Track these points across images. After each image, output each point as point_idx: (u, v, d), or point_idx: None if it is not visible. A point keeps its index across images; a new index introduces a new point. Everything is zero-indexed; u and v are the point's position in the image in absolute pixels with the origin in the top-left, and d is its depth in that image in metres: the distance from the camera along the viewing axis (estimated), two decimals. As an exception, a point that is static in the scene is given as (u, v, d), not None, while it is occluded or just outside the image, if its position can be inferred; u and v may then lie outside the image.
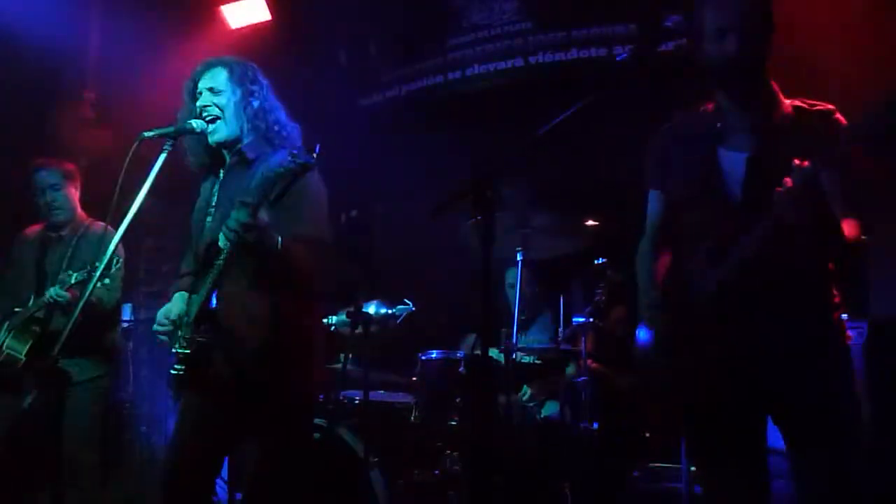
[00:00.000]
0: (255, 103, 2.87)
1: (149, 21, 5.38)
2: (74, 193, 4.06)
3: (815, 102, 2.39)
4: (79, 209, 4.10)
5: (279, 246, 2.62)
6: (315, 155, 2.43)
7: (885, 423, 3.16)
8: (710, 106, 2.45)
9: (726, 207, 2.30)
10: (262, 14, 5.39)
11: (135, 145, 2.71)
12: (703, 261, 2.30)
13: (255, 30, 5.49)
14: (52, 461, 3.82)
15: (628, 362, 3.91)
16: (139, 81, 5.30)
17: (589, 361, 3.89)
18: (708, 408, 2.29)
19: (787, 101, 2.39)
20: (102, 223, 4.01)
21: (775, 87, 2.38)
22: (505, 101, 4.89)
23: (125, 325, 5.18)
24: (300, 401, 2.88)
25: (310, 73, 5.39)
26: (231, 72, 2.89)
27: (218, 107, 2.84)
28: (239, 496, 3.83)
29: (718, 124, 2.38)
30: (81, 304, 2.71)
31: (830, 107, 2.37)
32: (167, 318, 2.82)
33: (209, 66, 2.92)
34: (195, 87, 2.91)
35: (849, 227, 2.24)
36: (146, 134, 2.76)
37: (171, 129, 2.82)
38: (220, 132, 2.84)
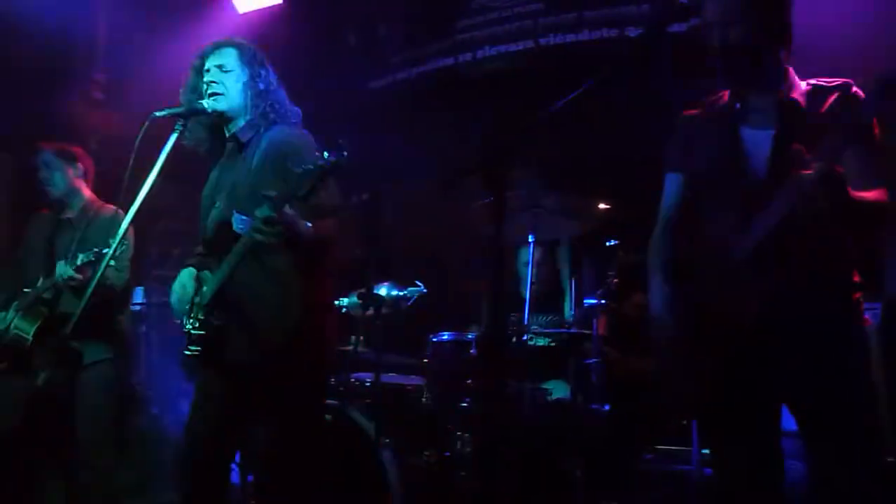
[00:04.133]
0: (261, 85, 2.92)
1: (158, 3, 5.38)
2: (73, 174, 4.06)
3: (831, 80, 2.38)
4: (84, 191, 4.11)
5: (309, 232, 2.64)
6: (345, 153, 2.41)
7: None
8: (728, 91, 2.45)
9: (751, 185, 2.29)
10: (272, -1, 5.37)
11: (145, 125, 2.72)
12: (731, 230, 2.28)
13: (264, 13, 5.46)
14: (65, 441, 3.85)
15: (642, 347, 3.92)
16: (148, 63, 5.28)
17: (601, 343, 3.87)
18: (725, 389, 2.27)
19: (804, 82, 2.38)
20: (112, 206, 4.02)
21: (791, 71, 2.37)
22: (516, 83, 4.85)
23: (136, 307, 5.21)
24: (313, 383, 2.91)
25: (319, 57, 5.37)
26: (241, 52, 2.93)
27: (225, 84, 2.88)
28: (251, 478, 3.85)
29: (738, 105, 2.38)
30: (92, 285, 2.73)
31: (848, 81, 2.35)
32: (184, 295, 2.84)
33: (219, 46, 2.96)
34: (203, 64, 2.93)
35: (878, 195, 2.24)
36: (157, 114, 2.78)
37: (181, 108, 2.84)
38: (220, 104, 2.88)
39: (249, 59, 2.93)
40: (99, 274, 2.78)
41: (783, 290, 2.20)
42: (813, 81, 2.39)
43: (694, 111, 2.53)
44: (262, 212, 2.51)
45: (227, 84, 2.89)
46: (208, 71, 2.90)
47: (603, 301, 3.74)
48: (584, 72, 4.61)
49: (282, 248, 2.66)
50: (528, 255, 3.83)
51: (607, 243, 3.81)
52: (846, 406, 2.19)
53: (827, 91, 2.34)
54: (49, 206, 4.12)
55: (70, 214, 4.05)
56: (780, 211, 2.17)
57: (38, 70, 4.99)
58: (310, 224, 2.66)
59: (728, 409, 2.30)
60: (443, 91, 5.12)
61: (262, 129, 2.90)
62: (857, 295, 2.30)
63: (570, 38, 4.66)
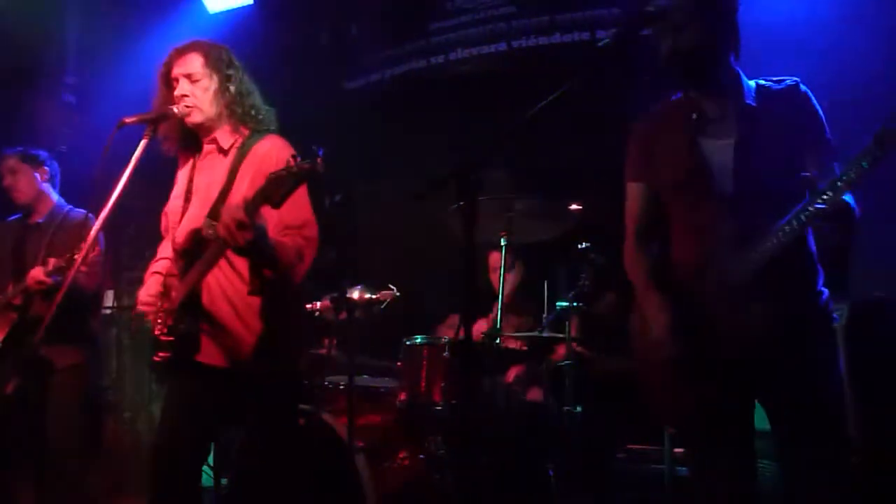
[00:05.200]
0: (232, 88, 2.86)
1: (127, 4, 5.33)
2: (36, 178, 4.01)
3: (780, 78, 2.40)
4: (52, 196, 4.06)
5: (272, 244, 2.60)
6: (319, 159, 2.36)
7: (864, 405, 3.20)
8: (681, 94, 2.45)
9: (718, 196, 2.30)
10: (243, -2, 5.34)
11: (115, 131, 2.70)
12: (723, 251, 2.28)
13: (235, 13, 5.43)
14: (35, 446, 3.82)
15: (615, 347, 3.95)
16: (118, 65, 5.24)
17: (574, 345, 3.90)
18: (706, 393, 2.30)
19: (752, 83, 2.39)
20: (82, 210, 3.99)
21: (741, 73, 2.38)
22: (488, 85, 4.86)
23: (107, 311, 5.16)
24: (286, 388, 2.89)
25: (291, 56, 5.35)
26: (207, 57, 2.86)
27: (195, 95, 2.82)
28: (224, 481, 3.83)
29: (694, 115, 2.37)
30: (63, 290, 2.71)
31: (796, 80, 2.38)
32: (150, 305, 2.81)
33: (183, 52, 2.88)
34: (169, 73, 2.88)
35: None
36: (126, 120, 2.75)
37: (151, 114, 2.81)
38: (196, 117, 2.83)
39: (216, 64, 2.86)
40: (69, 279, 2.75)
41: (780, 306, 2.23)
42: (761, 81, 2.40)
43: (649, 120, 2.52)
44: (234, 213, 2.46)
45: (198, 95, 2.82)
46: (176, 80, 2.84)
47: (575, 304, 3.76)
48: (557, 74, 4.65)
49: (251, 253, 2.64)
50: (500, 257, 3.85)
51: (579, 246, 3.82)
52: (825, 403, 2.24)
53: (776, 93, 2.36)
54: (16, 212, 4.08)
55: (38, 219, 4.01)
56: (787, 237, 2.18)
57: (6, 74, 4.92)
58: (275, 240, 2.62)
59: (709, 412, 2.32)
60: (416, 92, 5.13)
61: (245, 137, 2.85)
62: (824, 295, 2.34)
63: (543, 40, 4.69)
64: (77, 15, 5.40)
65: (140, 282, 2.97)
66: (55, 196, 4.09)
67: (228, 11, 5.40)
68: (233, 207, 2.48)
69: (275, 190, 2.39)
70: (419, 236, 4.66)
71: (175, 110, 2.82)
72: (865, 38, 3.78)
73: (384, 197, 4.75)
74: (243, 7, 5.38)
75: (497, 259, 4.03)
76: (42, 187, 4.03)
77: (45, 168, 4.06)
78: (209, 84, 2.84)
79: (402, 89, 5.16)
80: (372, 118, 5.16)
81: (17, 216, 4.10)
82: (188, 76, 2.83)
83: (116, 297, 5.30)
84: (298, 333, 2.99)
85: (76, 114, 5.30)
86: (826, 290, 2.34)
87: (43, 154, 4.10)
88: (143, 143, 2.77)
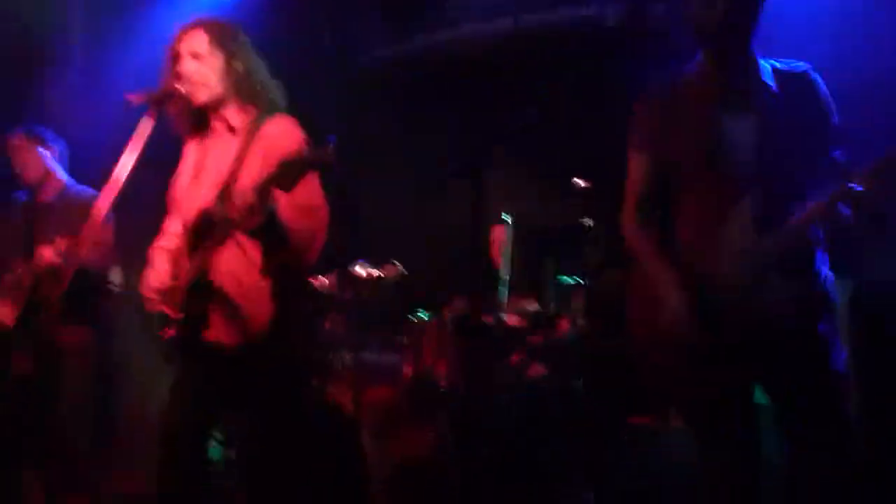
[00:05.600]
0: (239, 65, 2.84)
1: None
2: (43, 156, 4.01)
3: (790, 63, 2.38)
4: (59, 174, 4.07)
5: (283, 227, 2.61)
6: (330, 147, 2.36)
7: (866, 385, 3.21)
8: (698, 68, 2.39)
9: (740, 176, 2.26)
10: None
11: (123, 110, 2.71)
12: (743, 234, 2.26)
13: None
14: (44, 427, 3.86)
15: (619, 325, 3.96)
16: (124, 46, 5.23)
17: (577, 319, 3.90)
18: (712, 375, 2.31)
19: (767, 64, 2.36)
20: (91, 189, 4.00)
21: (754, 50, 2.35)
22: (493, 66, 4.84)
23: (115, 289, 5.18)
24: (293, 369, 2.92)
25: (298, 35, 5.33)
26: (211, 34, 2.84)
27: (200, 72, 2.80)
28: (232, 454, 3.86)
29: (715, 88, 2.33)
30: (72, 270, 2.73)
31: (805, 67, 2.36)
32: (158, 283, 2.83)
33: (188, 29, 2.86)
34: (176, 51, 2.86)
35: None
36: (132, 98, 2.75)
37: (157, 93, 2.81)
38: (201, 95, 2.81)
39: (221, 40, 2.84)
40: (78, 259, 2.77)
41: (786, 290, 2.23)
42: (774, 63, 2.37)
43: (663, 90, 2.45)
44: (244, 197, 2.48)
45: (203, 73, 2.81)
46: (182, 57, 2.83)
47: (581, 281, 3.77)
48: (563, 51, 4.63)
49: (262, 235, 2.65)
50: (507, 236, 3.87)
51: (584, 223, 3.82)
52: (825, 384, 2.25)
53: (789, 77, 2.34)
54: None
55: (46, 198, 4.02)
56: (798, 230, 2.20)
57: (12, 55, 4.92)
58: (288, 222, 2.62)
59: (714, 394, 2.33)
60: (421, 72, 5.10)
61: (255, 116, 2.83)
62: (826, 278, 2.34)
63: (552, 17, 4.64)
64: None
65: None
66: (63, 174, 4.10)
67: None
68: (243, 192, 2.49)
69: (286, 176, 2.40)
70: (424, 211, 4.67)
71: (181, 89, 2.83)
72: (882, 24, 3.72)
73: (390, 177, 4.76)
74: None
75: (500, 232, 4.02)
76: (49, 165, 4.03)
77: (52, 146, 4.05)
78: (214, 62, 2.82)
79: (406, 69, 5.13)
80: (376, 97, 5.15)
81: (24, 194, 4.11)
82: (193, 54, 2.81)
83: (125, 275, 5.31)
84: (307, 315, 3.00)
85: (84, 94, 5.29)
86: (827, 271, 2.33)
87: (49, 132, 4.10)
88: (148, 121, 2.78)
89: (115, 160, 2.74)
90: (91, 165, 4.30)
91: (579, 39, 4.60)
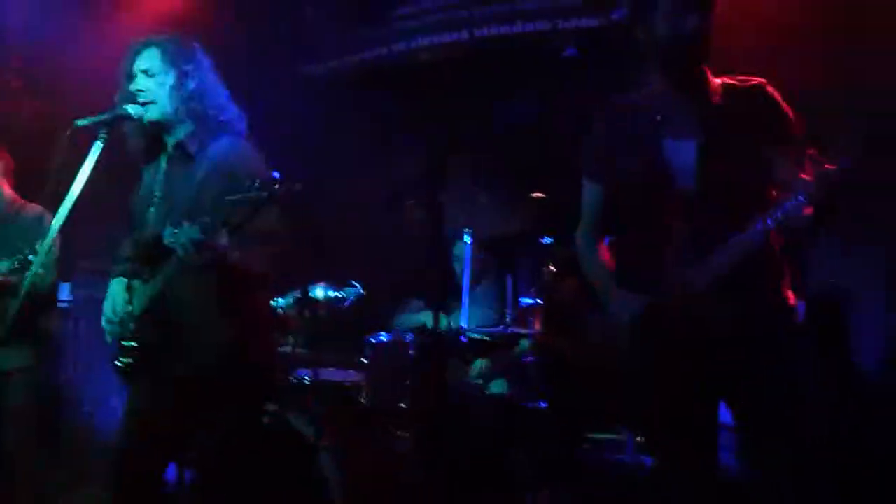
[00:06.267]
0: (191, 84, 2.77)
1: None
2: None
3: (744, 78, 2.40)
4: (5, 189, 3.94)
5: (236, 259, 2.57)
6: (277, 185, 2.34)
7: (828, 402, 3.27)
8: (647, 91, 2.42)
9: (680, 197, 2.29)
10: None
11: (67, 134, 2.63)
12: (679, 257, 2.29)
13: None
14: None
15: (579, 333, 3.99)
16: (69, 49, 5.07)
17: (538, 340, 3.92)
18: (671, 390, 2.32)
19: (717, 81, 2.38)
20: (36, 206, 3.87)
21: (706, 68, 2.37)
22: (450, 74, 4.81)
23: (64, 304, 5.05)
24: (250, 390, 2.86)
25: (247, 40, 5.23)
26: (164, 52, 2.78)
27: (152, 91, 2.75)
28: (188, 475, 3.81)
29: (659, 116, 2.35)
30: (21, 295, 2.65)
31: (761, 81, 2.38)
32: (114, 313, 2.77)
33: (143, 47, 2.81)
34: (129, 68, 2.80)
35: None
36: (79, 122, 2.67)
37: (105, 116, 2.72)
38: (152, 113, 2.76)
39: (174, 58, 2.78)
40: (27, 285, 2.69)
41: (743, 309, 2.24)
42: (726, 80, 2.38)
43: (609, 118, 2.49)
44: (190, 233, 2.44)
45: (154, 90, 2.75)
46: (136, 76, 2.78)
47: (539, 301, 3.78)
48: (517, 64, 4.64)
49: (216, 268, 2.60)
50: (465, 250, 3.86)
51: (542, 240, 3.84)
52: (792, 403, 2.25)
53: (742, 92, 2.35)
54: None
55: (-9, 215, 3.88)
56: (748, 241, 2.20)
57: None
58: (238, 254, 2.57)
59: (673, 414, 2.34)
60: (377, 80, 5.05)
61: (206, 140, 2.77)
62: (792, 293, 2.35)
63: (505, 29, 4.64)
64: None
65: (97, 272, 2.90)
66: (7, 190, 3.96)
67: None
68: (190, 228, 2.45)
69: (231, 214, 2.38)
70: (377, 226, 4.62)
71: (130, 110, 2.75)
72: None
73: (342, 187, 4.69)
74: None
75: (460, 248, 4.04)
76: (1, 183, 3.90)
77: (2, 163, 3.93)
78: (165, 79, 2.77)
79: (362, 76, 5.07)
80: (330, 105, 5.08)
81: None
82: (145, 71, 2.76)
83: (72, 290, 5.18)
84: (266, 337, 2.97)
85: (25, 100, 5.13)
86: (788, 284, 2.35)
87: None
88: (97, 145, 2.69)
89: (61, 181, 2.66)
90: (32, 175, 4.19)
91: (535, 54, 4.61)
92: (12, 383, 3.70)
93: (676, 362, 2.29)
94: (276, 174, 2.36)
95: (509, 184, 3.97)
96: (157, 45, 2.81)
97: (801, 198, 2.14)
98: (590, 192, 2.52)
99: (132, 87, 2.76)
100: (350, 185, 4.61)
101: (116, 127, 2.76)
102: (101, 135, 2.69)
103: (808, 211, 2.15)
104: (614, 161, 2.42)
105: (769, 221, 2.18)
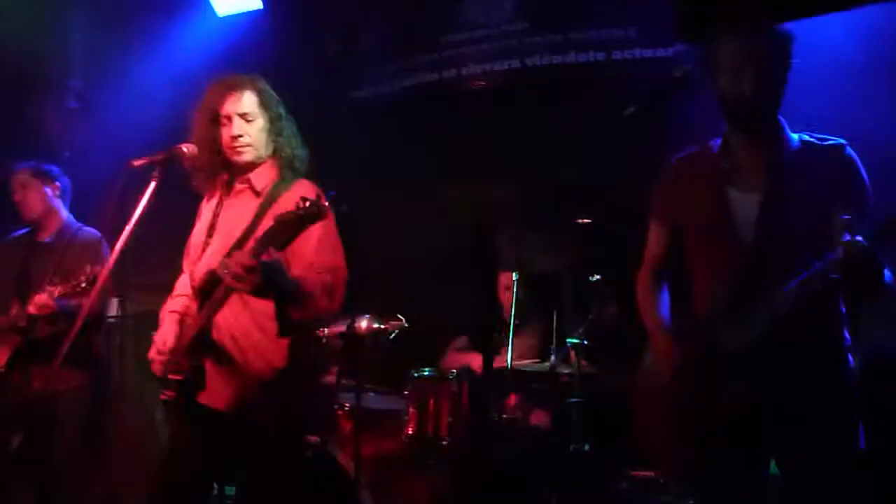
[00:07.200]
0: (285, 129, 2.85)
1: (133, 7, 5.24)
2: (49, 194, 3.95)
3: (824, 137, 2.37)
4: (61, 212, 4.01)
5: (293, 283, 2.58)
6: (328, 202, 2.36)
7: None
8: (717, 141, 2.43)
9: (739, 249, 2.29)
10: (254, 2, 5.22)
11: (123, 175, 2.67)
12: (725, 313, 2.28)
13: (244, 17, 5.32)
14: (39, 463, 3.81)
15: (621, 360, 3.93)
16: (125, 70, 5.17)
17: (583, 362, 3.87)
18: (712, 444, 2.30)
19: (796, 136, 2.36)
20: (91, 230, 3.94)
21: (783, 123, 2.36)
22: (500, 102, 4.80)
23: (111, 320, 5.12)
24: (293, 423, 2.88)
25: (299, 62, 5.27)
26: (261, 97, 2.83)
27: (250, 134, 2.80)
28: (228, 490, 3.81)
29: (726, 165, 2.36)
30: (80, 321, 2.70)
31: (841, 142, 2.34)
32: (164, 345, 2.79)
33: (236, 88, 2.83)
34: (217, 109, 2.82)
35: None
36: (135, 163, 2.72)
37: (160, 156, 2.77)
38: (248, 156, 2.81)
39: (268, 102, 2.84)
40: (84, 313, 2.74)
41: (789, 367, 2.21)
42: (805, 137, 2.37)
43: (681, 164, 2.52)
44: (241, 258, 2.45)
45: (253, 135, 2.80)
46: (229, 118, 2.80)
47: (584, 342, 3.73)
48: (570, 94, 4.58)
49: (266, 294, 2.60)
50: (514, 285, 3.85)
51: (590, 278, 3.79)
52: (838, 460, 2.23)
53: (820, 151, 2.33)
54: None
55: (46, 237, 3.96)
56: (777, 305, 2.17)
57: (11, 79, 4.84)
58: (297, 277, 2.60)
59: (716, 465, 2.32)
60: (425, 106, 5.04)
61: (279, 180, 2.82)
62: (850, 357, 2.31)
63: (557, 59, 4.60)
64: (83, 18, 5.30)
65: (144, 288, 2.94)
66: (65, 213, 4.04)
67: (237, 15, 5.30)
68: (240, 252, 2.48)
69: (279, 232, 2.39)
70: (423, 252, 4.60)
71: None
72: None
73: (386, 210, 4.68)
74: (253, 11, 5.28)
75: (508, 278, 4.01)
76: (53, 203, 3.98)
77: (57, 184, 4.00)
78: (262, 124, 2.82)
79: (411, 102, 5.07)
80: (379, 129, 5.09)
81: (23, 231, 4.05)
82: (243, 115, 2.80)
83: (121, 306, 5.25)
84: (312, 369, 2.98)
85: (81, 119, 5.23)
86: (844, 337, 2.31)
87: (55, 170, 4.04)
88: (152, 185, 2.73)
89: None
90: (86, 193, 4.26)
91: (586, 82, 4.57)
92: (65, 402, 3.77)
93: (716, 418, 2.27)
94: (333, 193, 2.39)
95: (557, 219, 3.92)
96: (252, 89, 2.83)
97: (820, 265, 2.11)
98: (654, 234, 2.57)
99: (233, 132, 2.79)
100: (390, 207, 4.60)
101: (171, 164, 2.80)
102: (155, 174, 2.73)
103: (839, 278, 2.09)
104: (679, 206, 2.47)
105: (792, 285, 2.15)
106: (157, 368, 2.80)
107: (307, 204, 2.33)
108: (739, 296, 2.26)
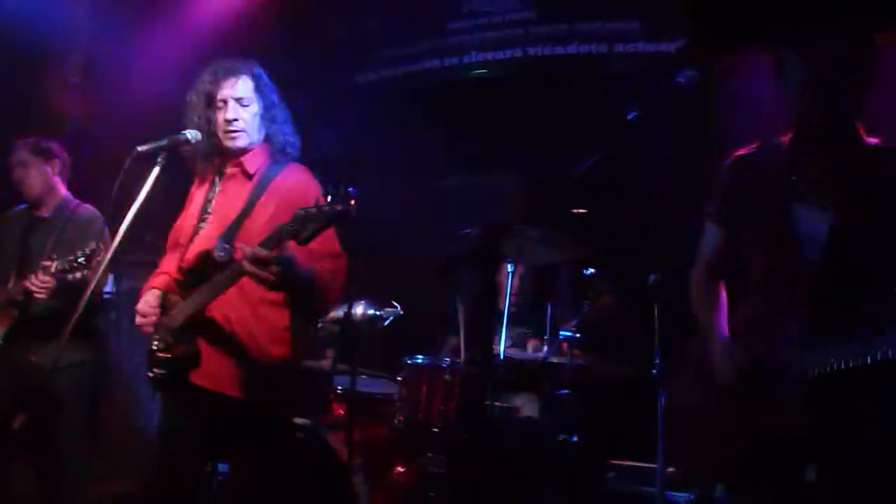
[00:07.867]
0: (279, 116, 2.89)
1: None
2: (49, 172, 3.95)
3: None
4: (61, 189, 4.01)
5: (308, 273, 2.61)
6: (352, 203, 2.34)
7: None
8: (776, 141, 2.34)
9: (802, 267, 2.20)
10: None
11: (128, 162, 2.68)
12: (788, 333, 2.20)
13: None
14: (38, 438, 3.84)
15: (614, 350, 3.97)
16: (126, 45, 5.16)
17: (574, 351, 3.90)
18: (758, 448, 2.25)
19: (871, 142, 2.25)
20: (90, 206, 3.95)
21: (859, 127, 2.25)
22: (502, 90, 4.80)
23: (107, 296, 5.14)
24: (283, 416, 2.96)
25: (304, 45, 5.27)
26: (256, 82, 2.87)
27: (244, 119, 2.83)
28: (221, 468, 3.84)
29: (794, 178, 2.25)
30: (83, 297, 2.71)
31: None
32: (149, 308, 2.81)
33: (233, 74, 2.86)
34: (213, 92, 2.85)
35: None
36: (140, 148, 2.73)
37: (164, 142, 2.78)
38: (241, 141, 2.84)
39: (263, 88, 2.88)
40: (87, 291, 2.75)
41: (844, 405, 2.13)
42: (878, 143, 2.25)
43: (741, 162, 2.40)
44: (259, 251, 2.46)
45: (248, 120, 2.84)
46: (224, 101, 2.83)
47: (577, 335, 3.77)
48: (571, 85, 4.57)
49: (286, 285, 2.62)
50: (508, 276, 3.87)
51: (585, 272, 3.82)
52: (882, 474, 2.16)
53: (892, 158, 2.21)
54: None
55: (45, 213, 3.96)
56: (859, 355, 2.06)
57: (13, 56, 4.82)
58: (310, 267, 2.63)
59: (758, 469, 2.27)
60: (429, 92, 5.05)
61: (271, 164, 2.85)
62: None
63: (559, 50, 4.61)
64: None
65: (139, 265, 2.94)
66: (63, 189, 4.03)
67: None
68: (253, 247, 2.47)
69: (302, 228, 2.39)
70: (421, 239, 4.61)
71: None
72: None
73: (386, 196, 4.69)
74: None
75: (504, 269, 4.03)
76: (52, 181, 3.97)
77: (57, 161, 3.99)
78: (256, 109, 2.86)
79: (415, 87, 5.07)
80: (382, 113, 5.09)
81: (22, 207, 4.05)
82: (239, 100, 2.83)
83: (116, 282, 5.27)
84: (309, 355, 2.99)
85: (82, 95, 5.21)
86: None
87: (55, 146, 4.02)
88: (156, 170, 2.75)
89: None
90: (88, 169, 4.27)
91: (587, 74, 4.57)
92: (66, 378, 3.74)
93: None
94: (352, 190, 2.36)
95: (555, 210, 3.94)
96: (248, 74, 2.87)
97: None
98: (710, 234, 2.49)
99: (227, 115, 2.81)
100: (390, 193, 4.60)
101: (174, 149, 2.82)
102: (160, 160, 2.74)
103: None
104: (739, 210, 2.38)
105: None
106: (141, 329, 2.83)
107: (332, 202, 2.34)
108: (809, 320, 2.16)
